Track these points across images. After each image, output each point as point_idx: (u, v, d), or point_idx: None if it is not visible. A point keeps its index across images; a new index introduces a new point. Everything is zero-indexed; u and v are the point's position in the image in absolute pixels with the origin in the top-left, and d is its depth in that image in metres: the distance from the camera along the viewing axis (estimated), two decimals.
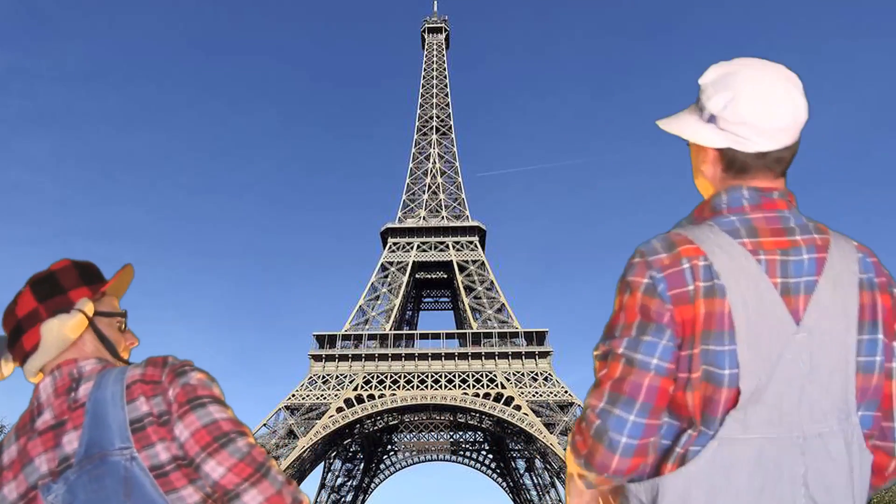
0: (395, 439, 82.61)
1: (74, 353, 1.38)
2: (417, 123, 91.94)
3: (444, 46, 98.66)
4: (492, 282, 77.48)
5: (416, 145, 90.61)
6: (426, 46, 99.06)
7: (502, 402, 66.71)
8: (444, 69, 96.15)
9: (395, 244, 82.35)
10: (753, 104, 1.22)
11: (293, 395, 67.99)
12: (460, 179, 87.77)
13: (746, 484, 1.12)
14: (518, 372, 68.89)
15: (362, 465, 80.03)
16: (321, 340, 71.81)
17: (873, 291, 1.22)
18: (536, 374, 68.58)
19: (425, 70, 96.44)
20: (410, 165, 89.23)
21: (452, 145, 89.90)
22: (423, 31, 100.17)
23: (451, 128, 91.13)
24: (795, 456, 1.14)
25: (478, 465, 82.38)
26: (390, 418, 75.85)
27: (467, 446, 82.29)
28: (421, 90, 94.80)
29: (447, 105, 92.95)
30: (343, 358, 70.20)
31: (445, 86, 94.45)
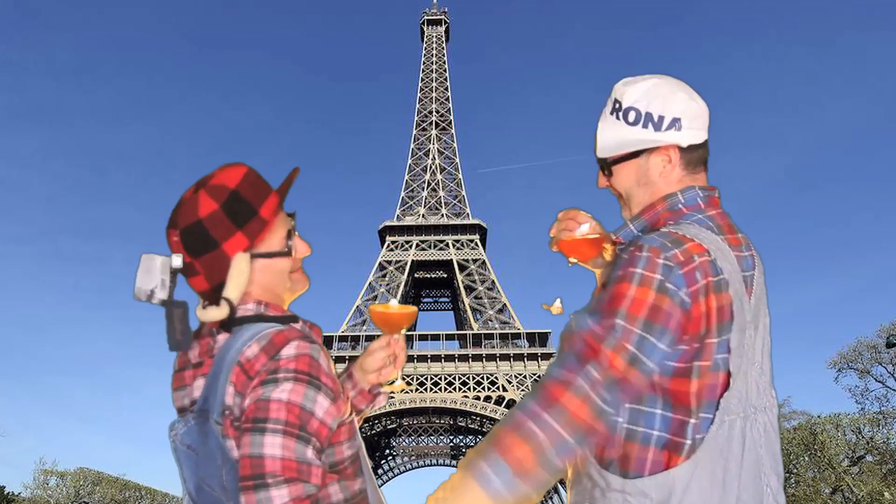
0: (394, 443, 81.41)
1: None
2: (416, 118, 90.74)
3: (443, 39, 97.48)
4: (493, 281, 76.55)
5: (414, 141, 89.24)
6: (425, 39, 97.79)
7: (504, 405, 65.71)
8: (444, 63, 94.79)
9: (393, 243, 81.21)
10: (697, 98, 1.39)
11: None
12: (460, 176, 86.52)
13: (734, 460, 1.22)
14: (520, 374, 67.93)
15: None
16: None
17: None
18: (539, 377, 66.63)
19: (424, 64, 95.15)
20: (409, 162, 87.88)
21: (452, 141, 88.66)
22: (423, 23, 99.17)
23: (450, 123, 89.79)
24: (755, 430, 1.27)
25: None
26: (388, 422, 74.88)
27: (468, 451, 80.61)
28: (420, 84, 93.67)
29: (447, 100, 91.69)
30: (340, 360, 68.73)
31: (445, 80, 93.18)
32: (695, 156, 1.38)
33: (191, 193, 1.29)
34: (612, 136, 1.41)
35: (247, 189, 1.28)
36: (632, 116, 1.38)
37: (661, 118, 1.35)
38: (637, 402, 1.26)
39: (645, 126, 1.37)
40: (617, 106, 1.40)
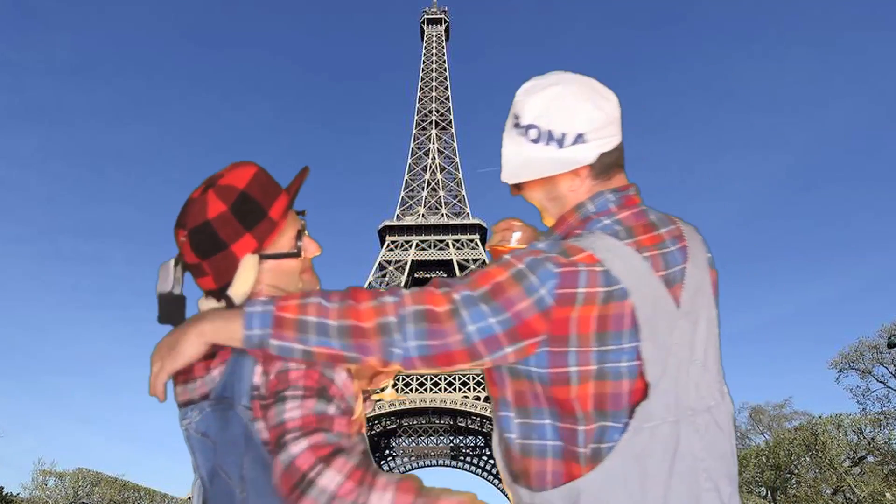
0: (393, 444, 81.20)
1: None
2: (416, 118, 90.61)
3: (443, 38, 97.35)
4: None
5: (414, 140, 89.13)
6: (425, 38, 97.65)
7: None
8: (444, 62, 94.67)
9: (393, 242, 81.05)
10: (603, 105, 1.29)
11: None
12: (460, 176, 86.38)
13: (657, 469, 1.16)
14: None
15: None
16: None
17: (713, 268, 1.35)
18: None
19: (424, 63, 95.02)
20: (409, 161, 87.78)
21: (452, 140, 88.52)
22: (423, 22, 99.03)
23: (450, 122, 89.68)
24: (691, 434, 1.19)
25: (479, 471, 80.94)
26: (388, 422, 74.79)
27: (468, 451, 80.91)
28: (420, 83, 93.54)
29: (447, 99, 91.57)
30: None
31: (445, 79, 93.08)
32: (606, 163, 1.30)
33: (199, 193, 1.27)
34: (515, 155, 1.33)
35: (256, 190, 1.27)
36: (533, 134, 1.30)
37: (564, 135, 1.27)
38: (525, 416, 1.23)
39: (548, 144, 1.29)
40: (517, 121, 1.32)
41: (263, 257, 1.27)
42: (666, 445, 1.17)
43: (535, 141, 1.30)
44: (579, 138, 1.27)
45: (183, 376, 1.28)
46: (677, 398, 1.19)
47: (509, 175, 1.34)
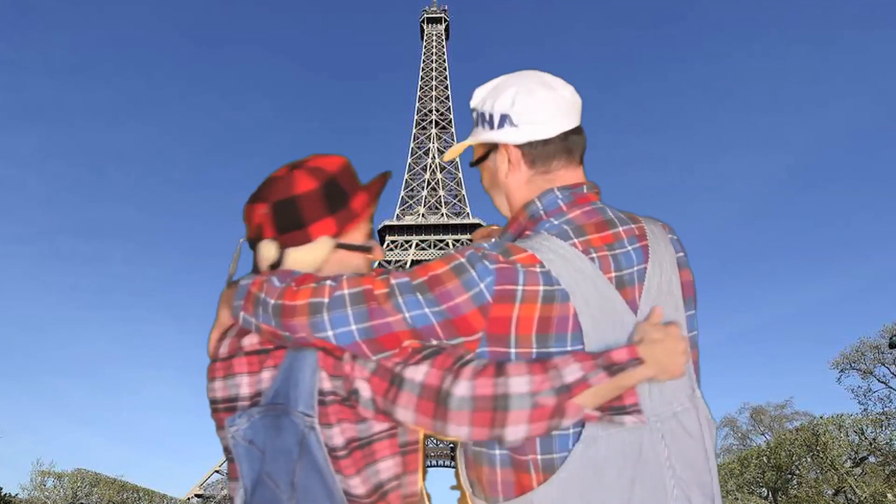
0: None
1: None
2: (416, 117, 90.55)
3: (443, 37, 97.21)
4: None
5: (414, 140, 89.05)
6: (425, 37, 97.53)
7: None
8: (444, 61, 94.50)
9: (392, 242, 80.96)
10: (537, 90, 1.29)
11: None
12: (461, 175, 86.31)
13: (616, 477, 1.11)
14: None
15: None
16: None
17: (686, 269, 1.32)
18: None
19: (424, 62, 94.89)
20: (409, 161, 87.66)
21: (452, 140, 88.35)
22: (422, 21, 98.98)
23: (450, 121, 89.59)
24: (657, 440, 1.15)
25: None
26: None
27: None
28: (420, 83, 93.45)
29: (447, 98, 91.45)
30: None
31: (445, 78, 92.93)
32: (542, 152, 1.29)
33: (284, 172, 1.27)
34: (465, 140, 1.39)
35: (345, 178, 1.28)
36: (474, 117, 1.37)
37: (491, 116, 1.31)
38: None
39: (482, 126, 1.33)
40: (471, 111, 1.38)
41: (340, 245, 1.27)
42: (626, 453, 1.11)
43: (477, 125, 1.36)
44: (504, 119, 1.29)
45: (222, 371, 1.24)
46: (640, 404, 1.13)
47: (451, 150, 1.40)
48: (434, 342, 1.12)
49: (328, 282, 1.13)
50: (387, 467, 1.17)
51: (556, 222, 1.23)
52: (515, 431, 1.03)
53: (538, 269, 1.13)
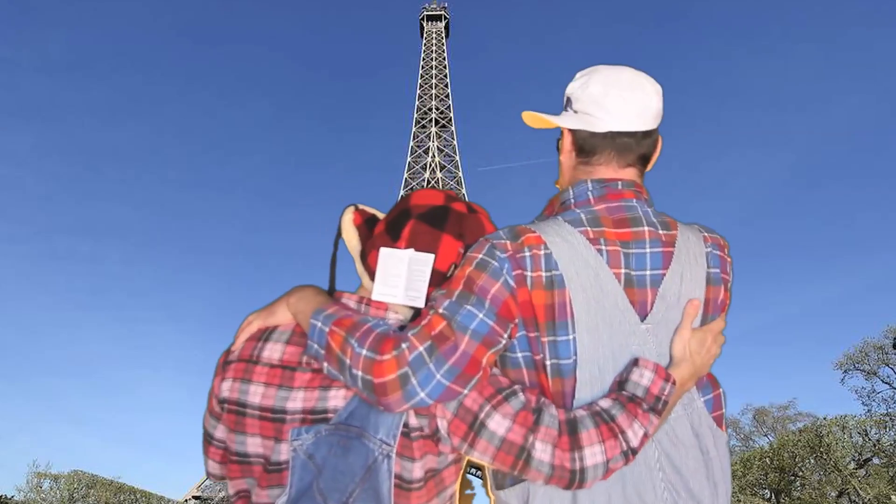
0: None
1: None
2: (416, 115, 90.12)
3: (443, 35, 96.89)
4: None
5: (414, 138, 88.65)
6: (425, 35, 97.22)
7: None
8: (444, 59, 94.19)
9: None
10: (604, 84, 1.33)
11: None
12: (460, 174, 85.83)
13: (614, 477, 1.17)
14: None
15: None
16: None
17: (717, 287, 1.30)
18: None
19: (424, 60, 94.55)
20: (408, 159, 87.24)
21: (452, 138, 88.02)
22: (422, 18, 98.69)
23: (450, 120, 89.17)
24: (648, 445, 1.19)
25: (479, 472, 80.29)
26: None
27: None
28: (420, 81, 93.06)
29: (447, 96, 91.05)
30: None
31: (445, 76, 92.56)
32: (587, 143, 1.34)
33: (465, 209, 1.32)
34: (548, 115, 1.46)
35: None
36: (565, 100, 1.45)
37: (568, 98, 1.40)
38: None
39: (566, 109, 1.42)
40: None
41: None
42: None
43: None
44: (569, 103, 1.39)
45: (279, 380, 1.24)
46: None
47: (531, 118, 1.44)
48: (502, 342, 1.15)
49: (404, 345, 1.11)
50: (453, 492, 1.26)
51: (578, 212, 1.27)
52: (587, 489, 1.15)
53: (542, 252, 1.18)
